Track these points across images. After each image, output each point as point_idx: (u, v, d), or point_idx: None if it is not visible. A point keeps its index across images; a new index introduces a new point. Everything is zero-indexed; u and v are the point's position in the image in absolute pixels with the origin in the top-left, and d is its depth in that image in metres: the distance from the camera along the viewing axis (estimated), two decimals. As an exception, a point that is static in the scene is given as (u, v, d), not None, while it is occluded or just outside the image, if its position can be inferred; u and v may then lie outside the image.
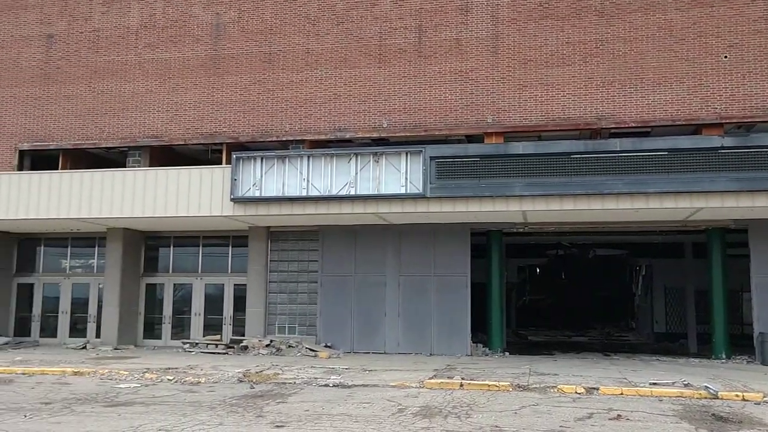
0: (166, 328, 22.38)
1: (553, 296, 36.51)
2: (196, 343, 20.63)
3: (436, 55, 20.34)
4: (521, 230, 21.02)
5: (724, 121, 18.26)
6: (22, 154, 22.94)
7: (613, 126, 18.80)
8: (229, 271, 22.06)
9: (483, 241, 20.97)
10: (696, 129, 18.73)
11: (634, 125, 18.69)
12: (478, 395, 12.56)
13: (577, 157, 16.81)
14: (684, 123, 18.46)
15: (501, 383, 13.43)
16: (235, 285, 21.84)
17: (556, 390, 12.97)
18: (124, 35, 22.55)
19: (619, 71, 18.90)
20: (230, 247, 22.22)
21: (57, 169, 22.34)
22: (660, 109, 18.54)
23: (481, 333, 21.17)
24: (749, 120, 18.29)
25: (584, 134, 19.80)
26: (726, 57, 18.45)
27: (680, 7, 18.88)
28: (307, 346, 19.53)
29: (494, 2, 20.15)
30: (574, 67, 19.30)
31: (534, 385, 13.29)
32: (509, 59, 19.84)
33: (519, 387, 13.25)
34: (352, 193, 17.89)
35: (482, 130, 19.85)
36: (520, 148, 17.35)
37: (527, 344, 25.95)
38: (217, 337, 21.18)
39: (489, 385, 13.36)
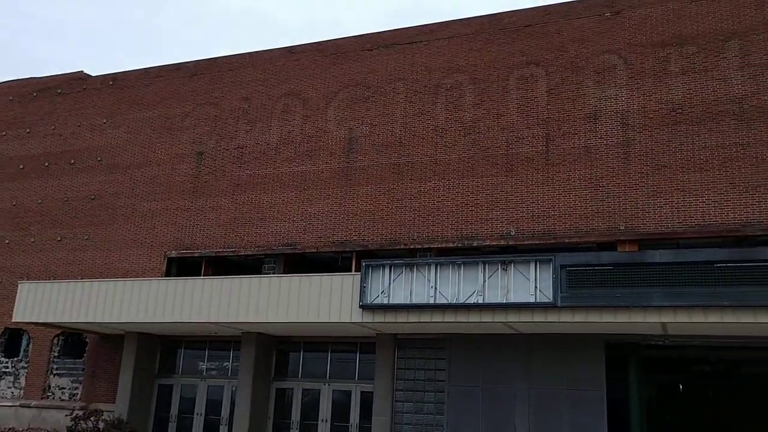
0: (293, 434, 22.48)
1: (699, 417, 33.45)
2: (322, 452, 20.53)
3: (565, 163, 20.25)
4: (661, 343, 19.71)
5: None
6: (170, 261, 24.74)
7: (760, 233, 17.63)
8: (356, 378, 22.06)
9: (620, 354, 19.80)
10: None
11: (785, 231, 17.48)
12: None
13: (721, 266, 15.75)
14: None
15: None
16: (361, 392, 21.75)
17: None
18: (264, 151, 24.27)
19: (765, 176, 17.92)
20: (357, 354, 22.32)
21: (199, 274, 23.83)
22: (814, 215, 17.26)
23: (621, 454, 19.61)
24: None
25: (727, 241, 18.68)
26: None
27: (829, 108, 17.90)
28: (433, 460, 18.89)
29: (623, 109, 20.00)
30: (713, 173, 18.53)
31: None
32: (642, 165, 19.39)
33: None
34: (480, 301, 17.64)
35: (614, 237, 19.26)
36: (657, 256, 16.54)
37: (673, 469, 23.66)
38: (343, 445, 20.99)
39: None
